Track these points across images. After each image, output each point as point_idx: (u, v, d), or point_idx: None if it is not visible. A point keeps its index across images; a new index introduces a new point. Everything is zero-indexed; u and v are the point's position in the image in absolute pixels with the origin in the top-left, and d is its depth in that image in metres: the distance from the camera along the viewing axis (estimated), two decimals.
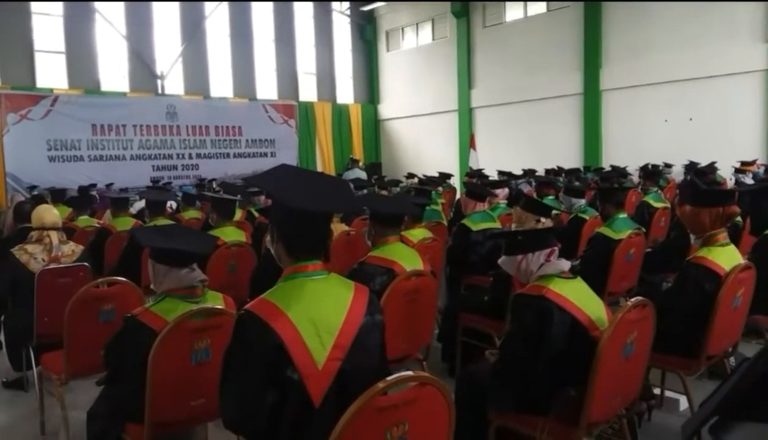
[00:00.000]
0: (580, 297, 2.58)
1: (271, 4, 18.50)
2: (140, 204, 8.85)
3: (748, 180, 9.08)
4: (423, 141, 19.88)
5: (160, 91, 16.43)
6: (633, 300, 2.50)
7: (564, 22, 15.98)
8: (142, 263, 4.81)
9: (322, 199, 1.95)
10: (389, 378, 1.66)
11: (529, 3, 16.99)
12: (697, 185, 4.43)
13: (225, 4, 17.46)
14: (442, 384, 1.76)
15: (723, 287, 3.07)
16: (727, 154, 11.61)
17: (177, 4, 16.57)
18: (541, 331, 2.47)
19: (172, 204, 8.13)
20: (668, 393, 3.72)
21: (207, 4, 17.12)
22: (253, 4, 18.14)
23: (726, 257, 3.19)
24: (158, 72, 16.38)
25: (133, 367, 2.48)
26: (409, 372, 1.73)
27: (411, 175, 12.99)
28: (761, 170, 10.52)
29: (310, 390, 1.77)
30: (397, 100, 20.70)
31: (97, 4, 15.20)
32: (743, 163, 10.27)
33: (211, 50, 17.42)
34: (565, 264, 2.68)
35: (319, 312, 1.85)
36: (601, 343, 2.36)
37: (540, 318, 2.48)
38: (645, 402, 3.46)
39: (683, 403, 3.62)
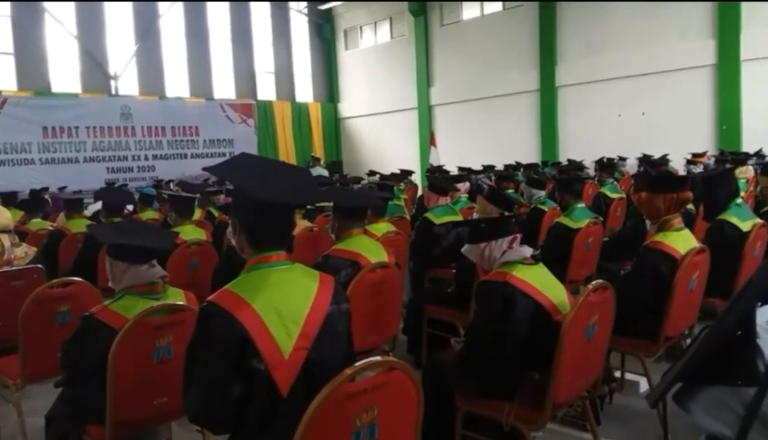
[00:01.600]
0: (542, 282, 2.62)
1: (227, 3, 18.25)
2: (95, 206, 8.61)
3: (700, 171, 9.37)
4: (384, 139, 19.91)
5: (113, 92, 16.04)
6: (594, 283, 2.55)
7: (520, 20, 16.23)
8: (98, 264, 4.69)
9: (287, 190, 1.93)
10: (357, 363, 1.66)
11: (485, 2, 17.20)
12: (656, 164, 4.55)
13: (179, 3, 17.14)
14: (410, 369, 1.77)
15: (679, 270, 3.15)
16: (678, 147, 11.95)
17: (130, 3, 16.19)
18: (506, 317, 2.50)
19: (129, 206, 7.94)
20: (628, 376, 3.81)
21: (161, 3, 16.78)
22: (209, 3, 17.85)
23: (681, 241, 3.28)
24: (111, 72, 15.99)
25: (92, 367, 2.41)
26: (378, 358, 1.72)
27: (372, 173, 13.00)
28: (711, 161, 10.86)
29: (277, 380, 1.75)
30: (357, 99, 20.68)
31: (46, 4, 14.74)
32: (694, 155, 10.58)
33: (165, 50, 17.08)
34: (528, 251, 2.72)
35: (284, 301, 1.83)
36: (564, 326, 2.40)
37: (504, 304, 2.51)
38: (606, 385, 3.55)
39: (643, 385, 3.71)
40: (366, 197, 4.14)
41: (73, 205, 6.41)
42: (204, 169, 2.14)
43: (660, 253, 3.22)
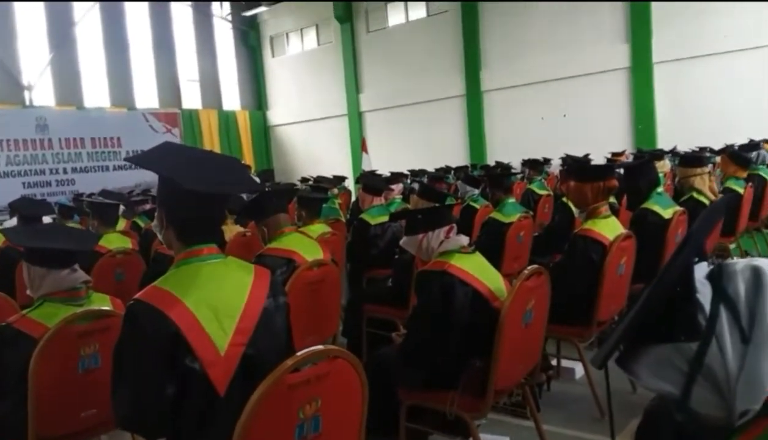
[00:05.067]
0: (480, 270, 2.65)
1: (146, 9, 17.68)
2: (10, 222, 8.12)
3: (619, 170, 9.77)
4: (315, 146, 19.80)
5: (28, 103, 15.21)
6: (530, 268, 2.59)
7: (444, 26, 16.54)
8: (16, 281, 4.41)
9: (218, 180, 1.85)
10: (299, 353, 1.60)
11: (410, 8, 17.42)
12: (580, 162, 4.70)
13: (96, 10, 16.46)
14: (354, 357, 1.73)
15: (608, 255, 3.26)
16: (599, 147, 12.42)
17: (42, 10, 15.40)
18: (445, 305, 2.50)
19: (47, 218, 7.52)
20: (564, 363, 3.89)
21: (76, 9, 16.07)
22: (128, 9, 17.24)
23: (609, 228, 3.40)
24: (25, 82, 15.16)
25: (11, 381, 2.24)
26: (320, 347, 1.67)
27: (305, 180, 12.86)
28: (630, 159, 11.36)
29: (213, 379, 1.67)
30: (286, 106, 20.48)
31: None
32: (614, 154, 11.05)
33: (83, 58, 16.34)
34: (464, 240, 2.74)
35: (218, 296, 1.75)
36: (503, 312, 2.42)
37: (443, 292, 2.52)
38: (544, 372, 3.63)
39: (579, 371, 3.81)
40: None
41: None
42: (126, 160, 2.02)
43: (590, 240, 3.32)
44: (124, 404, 1.69)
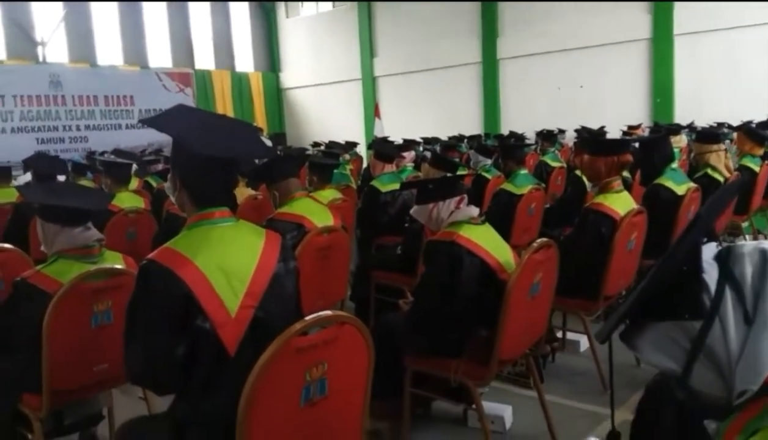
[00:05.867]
0: (488, 242, 2.66)
1: None
2: (24, 177, 8.19)
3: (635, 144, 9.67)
4: (328, 110, 19.65)
5: (41, 59, 15.18)
6: (539, 241, 2.59)
7: None
8: (30, 235, 4.47)
9: (231, 144, 1.86)
10: (308, 317, 1.63)
11: None
12: (595, 136, 4.66)
13: None
14: (361, 324, 1.75)
15: (618, 230, 3.25)
16: (614, 120, 12.29)
17: None
18: (452, 275, 2.52)
19: (61, 177, 7.58)
20: (570, 336, 3.92)
21: None
22: None
23: (621, 203, 3.38)
24: (38, 38, 15.11)
25: (26, 334, 2.30)
26: (328, 312, 1.70)
27: (316, 144, 12.83)
28: (646, 133, 11.22)
29: (223, 339, 1.70)
30: (299, 69, 20.27)
31: None
32: (630, 127, 10.92)
33: (96, 15, 16.23)
34: (474, 211, 2.74)
35: (229, 259, 1.77)
36: (509, 283, 2.44)
37: (451, 263, 2.53)
38: (549, 344, 3.66)
39: (583, 344, 3.84)
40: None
41: (1, 173, 6.05)
42: (140, 121, 2.02)
43: (601, 214, 3.31)
44: (136, 361, 1.73)
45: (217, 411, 1.65)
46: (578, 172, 5.26)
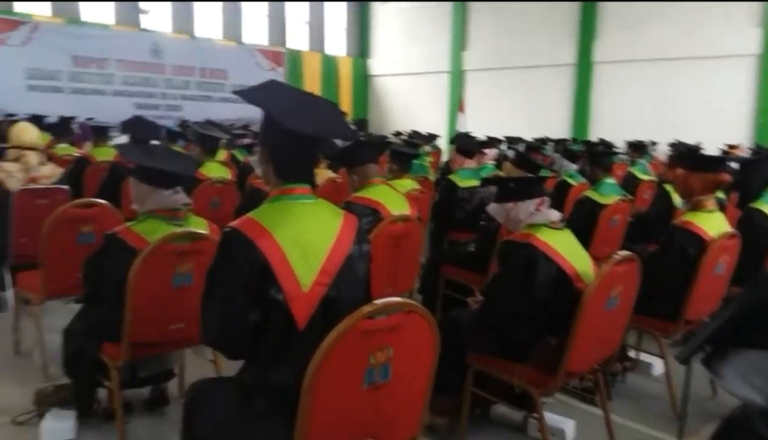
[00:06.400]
0: (567, 248, 2.58)
1: None
2: (121, 139, 8.62)
3: (732, 164, 9.14)
4: (412, 100, 19.65)
5: (144, 27, 15.94)
6: (622, 253, 2.49)
7: None
8: (122, 193, 4.72)
9: (318, 123, 1.88)
10: (377, 301, 1.63)
11: None
12: (692, 150, 4.43)
13: None
14: (429, 314, 1.74)
15: (706, 252, 3.08)
16: (712, 136, 11.67)
17: None
18: (526, 278, 2.46)
19: (155, 141, 7.94)
20: (643, 357, 3.76)
21: None
22: None
23: (712, 223, 3.20)
24: (142, 6, 15.86)
25: (112, 286, 2.43)
26: (397, 299, 1.70)
27: (398, 133, 12.87)
28: (746, 155, 10.59)
29: (295, 312, 1.73)
30: (388, 56, 20.35)
31: None
32: (729, 146, 10.34)
33: None
34: (555, 215, 2.66)
35: (306, 235, 1.80)
36: (586, 293, 2.36)
37: (525, 265, 2.47)
38: (620, 363, 3.53)
39: (657, 368, 3.65)
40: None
41: (101, 132, 6.41)
42: (233, 92, 2.08)
43: (689, 233, 3.14)
44: (211, 323, 1.79)
45: (283, 382, 1.68)
46: (668, 187, 5.03)
